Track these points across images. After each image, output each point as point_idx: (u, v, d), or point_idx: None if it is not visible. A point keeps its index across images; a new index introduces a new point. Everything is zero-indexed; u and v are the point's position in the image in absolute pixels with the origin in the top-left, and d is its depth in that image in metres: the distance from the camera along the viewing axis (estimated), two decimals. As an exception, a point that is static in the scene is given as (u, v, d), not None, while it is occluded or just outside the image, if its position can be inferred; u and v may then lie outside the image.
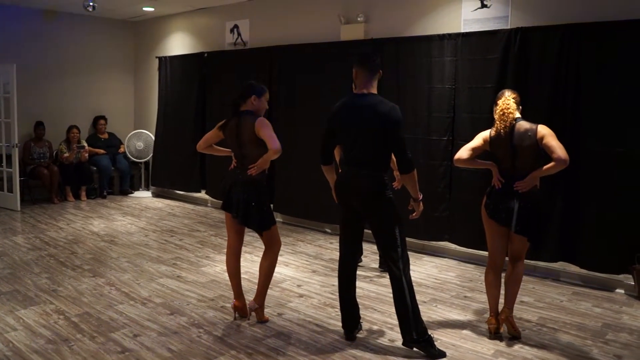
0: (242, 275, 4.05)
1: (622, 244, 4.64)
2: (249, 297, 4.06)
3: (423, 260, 5.65)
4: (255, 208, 3.73)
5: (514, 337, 3.68)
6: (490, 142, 3.63)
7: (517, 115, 3.59)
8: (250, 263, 5.26)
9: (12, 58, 7.90)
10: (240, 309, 3.95)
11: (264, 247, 3.90)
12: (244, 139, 3.73)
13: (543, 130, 3.47)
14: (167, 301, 4.33)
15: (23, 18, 8.49)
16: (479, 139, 3.69)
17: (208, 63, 8.20)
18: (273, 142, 3.64)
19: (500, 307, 3.75)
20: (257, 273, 3.94)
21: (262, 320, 3.93)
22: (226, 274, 4.11)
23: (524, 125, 3.53)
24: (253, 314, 3.94)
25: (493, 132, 3.62)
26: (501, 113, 3.58)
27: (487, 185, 3.78)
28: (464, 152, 3.67)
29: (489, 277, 3.73)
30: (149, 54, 9.50)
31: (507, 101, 3.59)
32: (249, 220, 3.77)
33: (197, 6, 8.31)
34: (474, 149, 3.67)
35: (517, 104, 3.63)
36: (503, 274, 3.75)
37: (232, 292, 3.99)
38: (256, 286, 3.96)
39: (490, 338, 3.69)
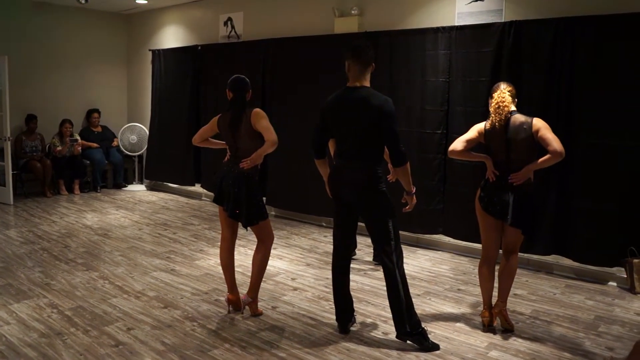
0: (236, 269, 4.04)
1: (615, 237, 4.66)
2: (243, 290, 4.06)
3: (417, 253, 5.67)
4: (245, 202, 3.72)
5: (507, 329, 3.70)
6: (485, 134, 3.63)
7: (513, 108, 3.59)
8: (244, 256, 5.26)
9: (4, 50, 7.84)
10: (234, 302, 3.95)
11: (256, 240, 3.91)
12: (240, 131, 3.72)
13: (538, 123, 3.47)
14: (161, 295, 4.32)
15: (15, 10, 8.42)
16: (473, 131, 3.69)
17: (202, 56, 8.16)
18: (270, 133, 3.62)
19: (494, 300, 3.77)
20: (251, 266, 3.94)
21: (255, 313, 3.93)
22: (220, 268, 4.11)
23: (519, 118, 3.53)
24: (247, 307, 3.94)
25: (488, 125, 3.62)
26: (496, 106, 3.58)
27: (481, 178, 3.78)
28: (458, 144, 3.67)
29: (482, 270, 3.74)
30: (142, 46, 9.45)
31: (503, 94, 3.59)
32: (237, 214, 3.76)
33: (190, -2, 8.28)
34: (468, 141, 3.67)
35: (513, 96, 3.62)
36: (497, 267, 3.76)
37: (226, 286, 3.99)
38: (250, 279, 3.96)
39: (484, 331, 3.71)
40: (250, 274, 3.99)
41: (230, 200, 3.73)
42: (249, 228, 3.83)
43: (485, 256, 3.74)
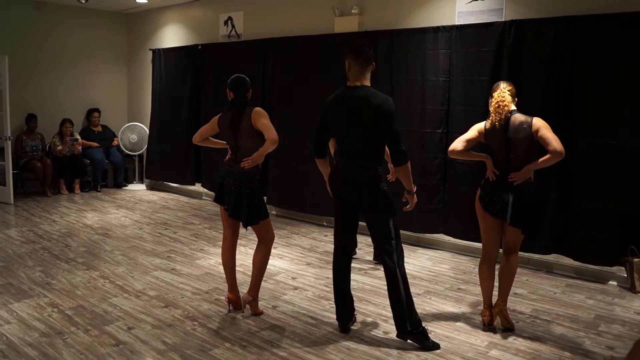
0: (236, 268, 4.05)
1: (615, 236, 4.66)
2: (244, 289, 4.06)
3: (417, 252, 5.67)
4: (246, 201, 3.72)
5: (508, 329, 3.70)
6: (485, 134, 3.63)
7: (513, 107, 3.59)
8: (245, 256, 5.25)
9: (4, 50, 7.84)
10: (235, 302, 3.95)
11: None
12: (241, 130, 3.72)
13: (538, 122, 3.47)
14: (162, 294, 4.32)
15: (15, 9, 8.42)
16: (473, 131, 3.69)
17: (202, 55, 8.16)
18: (270, 132, 3.61)
19: (494, 299, 3.77)
20: (251, 266, 3.94)
21: (256, 312, 3.93)
22: (220, 267, 4.12)
23: (519, 117, 3.53)
24: (247, 306, 3.94)
25: (488, 125, 3.62)
26: (496, 105, 3.58)
27: (481, 178, 3.78)
28: (458, 144, 3.68)
29: (482, 269, 3.74)
30: (142, 46, 9.45)
31: (503, 93, 3.59)
32: (238, 214, 3.76)
33: (190, -2, 8.27)
34: (468, 141, 3.67)
35: (513, 96, 3.62)
36: (497, 266, 3.77)
37: (227, 285, 3.99)
38: (250, 278, 3.96)
39: (484, 330, 3.71)
40: (250, 273, 3.99)
41: (231, 199, 3.73)
42: (249, 227, 3.83)
43: (486, 255, 3.74)
